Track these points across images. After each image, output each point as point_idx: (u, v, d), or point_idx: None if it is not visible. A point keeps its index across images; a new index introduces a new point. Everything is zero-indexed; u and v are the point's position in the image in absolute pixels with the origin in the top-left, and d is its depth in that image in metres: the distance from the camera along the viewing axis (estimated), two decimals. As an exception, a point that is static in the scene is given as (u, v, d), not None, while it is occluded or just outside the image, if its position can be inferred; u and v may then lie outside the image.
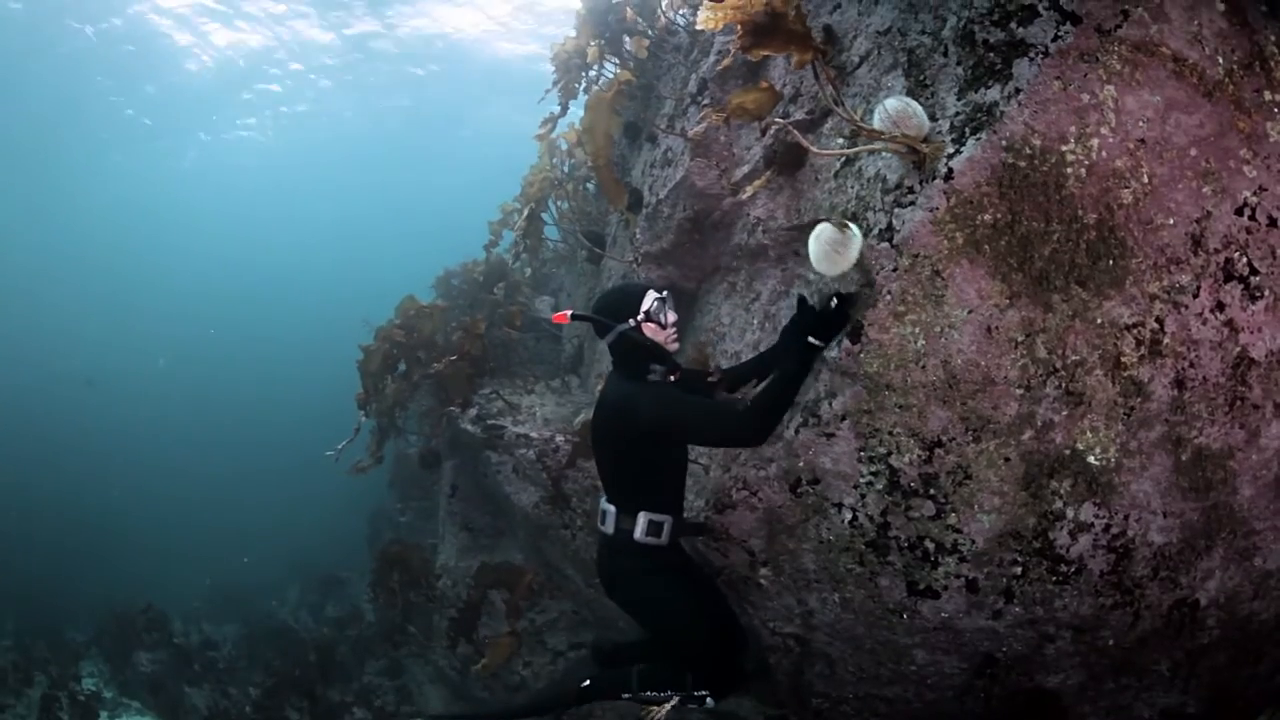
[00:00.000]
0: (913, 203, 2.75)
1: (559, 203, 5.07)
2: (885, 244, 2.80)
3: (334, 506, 11.34)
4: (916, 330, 2.79)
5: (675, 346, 2.99)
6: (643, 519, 3.03)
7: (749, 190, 3.21)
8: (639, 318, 2.93)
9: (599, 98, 3.15)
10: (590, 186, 5.23)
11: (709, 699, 3.16)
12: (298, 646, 7.46)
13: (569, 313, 3.01)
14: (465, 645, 4.31)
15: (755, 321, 3.58)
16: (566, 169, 5.20)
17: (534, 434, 4.21)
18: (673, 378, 3.03)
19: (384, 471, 6.94)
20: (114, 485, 18.71)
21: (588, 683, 3.40)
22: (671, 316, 2.93)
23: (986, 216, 2.73)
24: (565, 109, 4.17)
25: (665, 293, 2.96)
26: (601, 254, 4.56)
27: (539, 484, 4.20)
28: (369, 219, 32.56)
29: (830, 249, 2.70)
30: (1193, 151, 2.95)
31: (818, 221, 2.78)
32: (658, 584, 3.13)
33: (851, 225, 2.73)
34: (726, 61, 2.58)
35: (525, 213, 4.52)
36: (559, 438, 4.14)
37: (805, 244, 3.33)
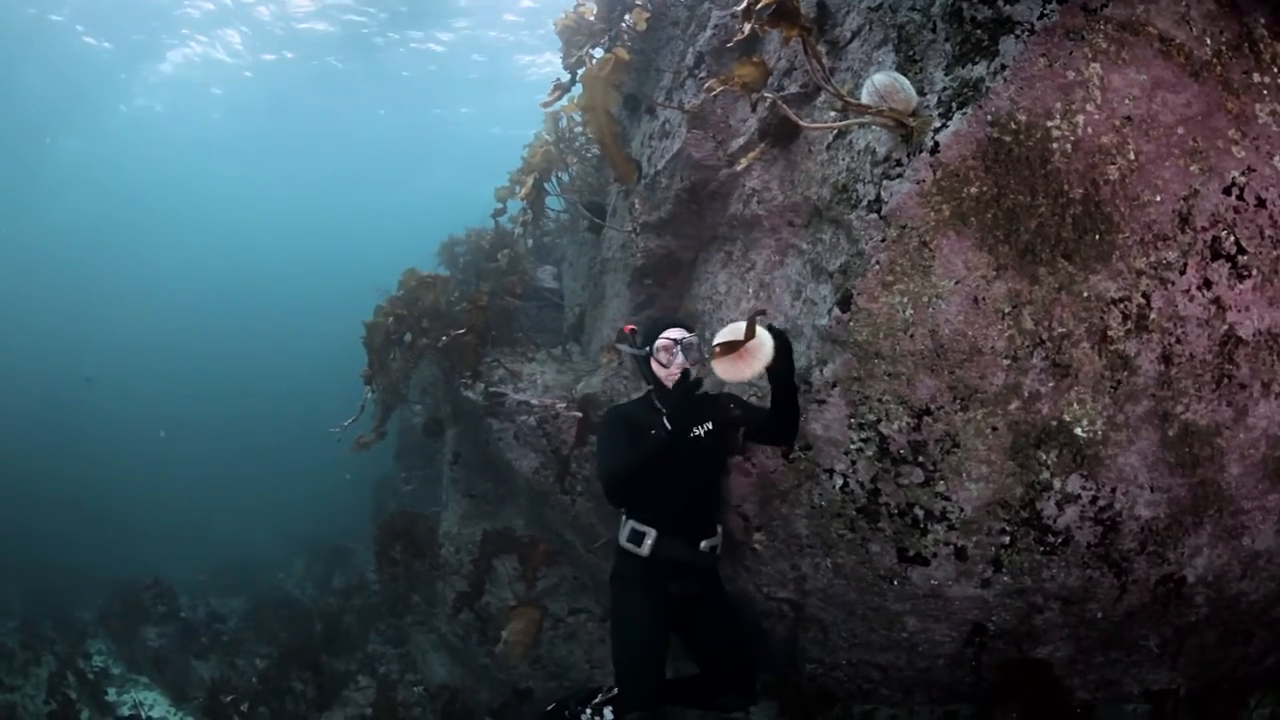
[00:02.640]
0: (900, 175, 2.83)
1: (560, 174, 5.16)
2: (874, 215, 2.88)
3: (340, 478, 11.37)
4: (905, 300, 2.86)
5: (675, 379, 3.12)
6: (628, 525, 3.20)
7: (744, 162, 3.30)
8: (650, 349, 3.17)
9: (594, 75, 3.23)
10: (591, 154, 5.34)
11: (608, 712, 3.19)
12: (303, 618, 7.60)
13: (630, 327, 3.35)
14: (467, 613, 4.40)
15: (750, 290, 3.67)
16: (569, 140, 5.29)
17: (535, 401, 4.29)
18: (658, 404, 3.18)
19: (390, 443, 7.01)
20: (118, 467, 18.66)
21: (552, 705, 3.50)
22: (679, 360, 3.06)
23: (973, 189, 2.80)
24: (574, 79, 4.25)
25: (687, 337, 3.09)
26: (602, 224, 4.66)
27: (539, 450, 4.29)
28: (372, 186, 31.74)
29: (731, 363, 2.75)
30: (1180, 130, 3.00)
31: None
32: (617, 590, 3.27)
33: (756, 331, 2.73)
34: (741, 34, 2.64)
35: (530, 182, 4.62)
36: (559, 405, 4.23)
37: (799, 214, 3.42)
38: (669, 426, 2.96)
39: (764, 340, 2.72)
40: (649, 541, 3.13)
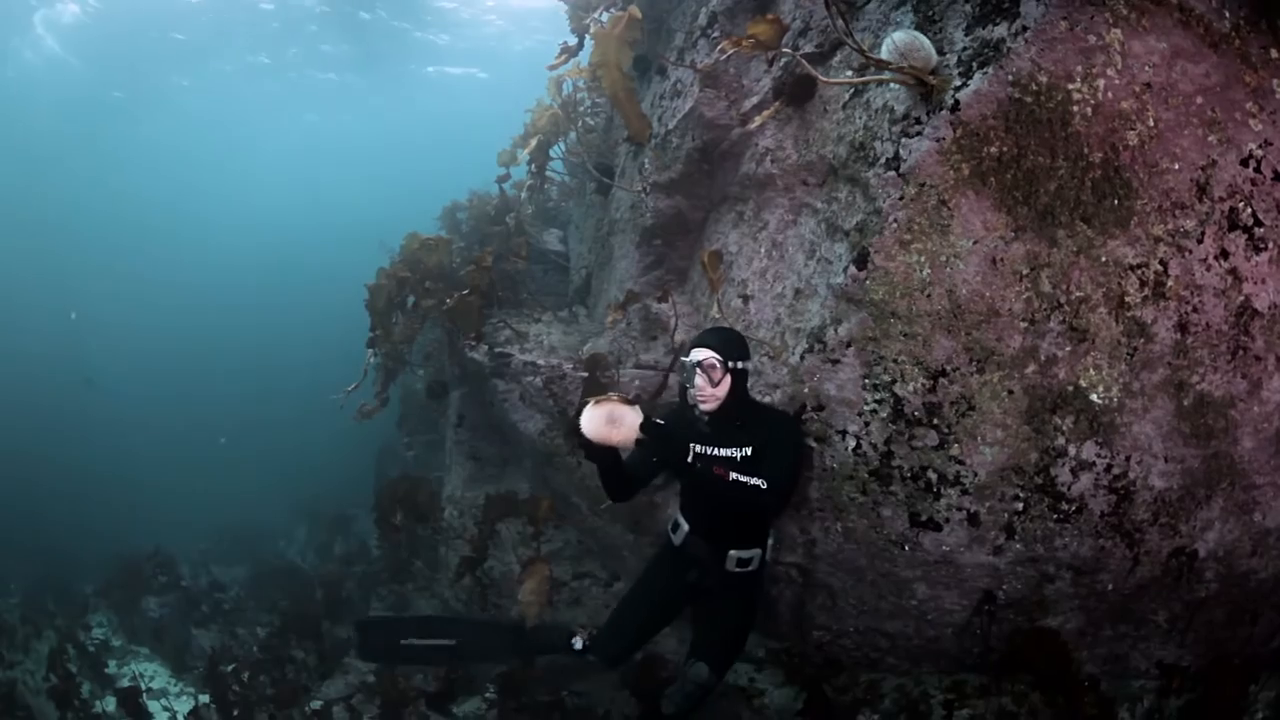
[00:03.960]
0: (920, 133, 2.81)
1: (567, 136, 5.09)
2: (892, 173, 2.86)
3: (343, 447, 11.27)
4: (922, 259, 2.84)
5: (696, 401, 3.05)
6: (675, 513, 3.36)
7: (758, 120, 3.29)
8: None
9: (606, 33, 3.21)
10: (596, 122, 5.32)
11: (579, 640, 3.41)
12: (305, 585, 7.57)
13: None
14: (470, 578, 4.36)
15: (762, 250, 3.65)
16: (573, 105, 5.22)
17: (541, 361, 4.25)
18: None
19: (393, 410, 6.95)
20: (120, 439, 18.44)
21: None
22: (698, 381, 2.98)
23: (993, 149, 2.79)
24: (581, 43, 4.22)
25: (707, 359, 2.97)
26: (611, 184, 4.64)
27: (546, 411, 4.26)
28: (376, 156, 30.50)
29: (604, 420, 2.72)
30: (1199, 100, 3.00)
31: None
32: (652, 556, 3.48)
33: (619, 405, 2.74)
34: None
35: (534, 144, 4.60)
36: (566, 365, 4.20)
37: (814, 173, 3.41)
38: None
39: (627, 418, 2.73)
40: (680, 533, 3.26)
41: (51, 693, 5.36)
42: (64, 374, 22.31)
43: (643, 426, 2.71)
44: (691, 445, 2.98)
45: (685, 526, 3.24)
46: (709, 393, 2.97)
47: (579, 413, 2.77)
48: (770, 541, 3.24)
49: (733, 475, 2.78)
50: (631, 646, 3.40)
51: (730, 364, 2.95)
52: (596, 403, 2.71)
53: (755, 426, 3.02)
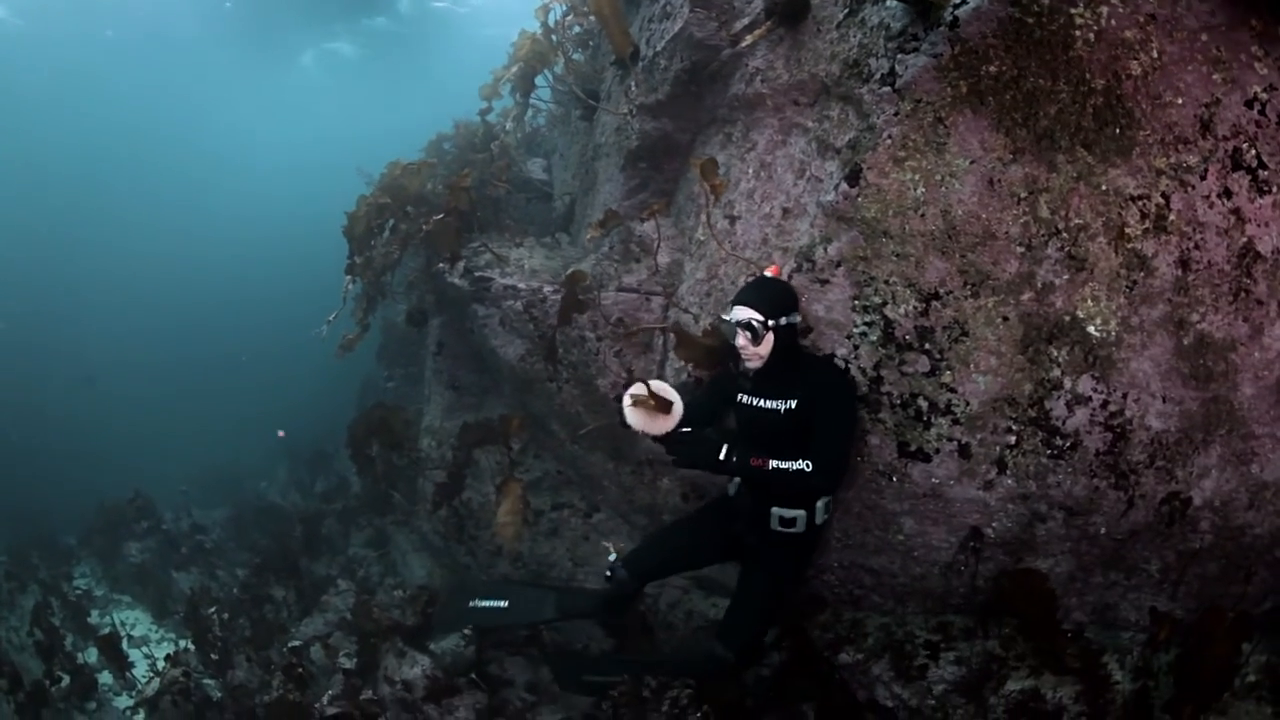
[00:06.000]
0: (916, 49, 2.77)
1: (553, 66, 5.03)
2: (887, 88, 2.81)
3: (323, 383, 11.13)
4: (917, 177, 2.79)
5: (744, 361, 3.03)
6: None
7: (749, 39, 3.26)
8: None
9: (592, -48, 3.20)
10: (579, 55, 5.30)
11: (611, 557, 3.39)
12: (284, 523, 7.50)
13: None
14: (447, 509, 4.30)
15: (750, 171, 3.61)
16: (560, 31, 5.14)
17: (522, 285, 4.15)
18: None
19: (372, 345, 6.88)
20: (97, 386, 18.19)
21: None
22: (740, 340, 2.93)
23: (992, 68, 2.75)
24: None
25: (748, 318, 2.88)
26: (596, 106, 4.61)
27: (526, 336, 4.18)
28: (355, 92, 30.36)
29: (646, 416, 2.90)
30: (1203, 36, 2.96)
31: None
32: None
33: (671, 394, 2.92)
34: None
35: (516, 69, 4.59)
36: (547, 288, 4.09)
37: (805, 92, 3.37)
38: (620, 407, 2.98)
39: (676, 413, 2.93)
40: (734, 484, 3.29)
41: (36, 648, 5.33)
42: (40, 304, 21.94)
43: (681, 423, 2.90)
44: (738, 396, 3.04)
45: (738, 479, 3.23)
46: (752, 351, 2.90)
47: (620, 413, 2.91)
48: (821, 504, 3.06)
49: (773, 464, 2.82)
50: (656, 567, 3.40)
51: (772, 322, 2.85)
52: (635, 402, 2.88)
53: (804, 379, 2.93)
